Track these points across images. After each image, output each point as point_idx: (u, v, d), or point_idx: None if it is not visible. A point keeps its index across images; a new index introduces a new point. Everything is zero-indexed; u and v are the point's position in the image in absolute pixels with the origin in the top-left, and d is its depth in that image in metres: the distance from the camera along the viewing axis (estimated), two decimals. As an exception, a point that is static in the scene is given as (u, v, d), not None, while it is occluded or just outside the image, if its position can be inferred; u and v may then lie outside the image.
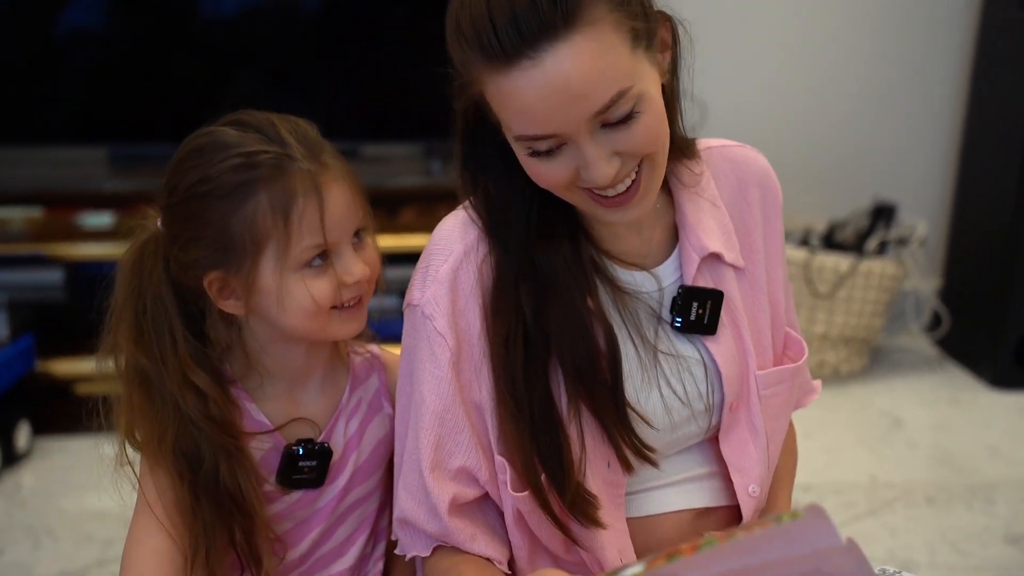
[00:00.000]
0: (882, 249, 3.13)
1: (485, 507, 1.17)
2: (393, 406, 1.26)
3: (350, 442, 1.24)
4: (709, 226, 1.19)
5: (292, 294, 1.12)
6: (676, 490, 1.20)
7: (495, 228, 1.15)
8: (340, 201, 1.13)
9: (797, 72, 3.31)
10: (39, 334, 2.73)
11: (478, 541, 1.15)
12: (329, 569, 1.26)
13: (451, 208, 1.19)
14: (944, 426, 2.85)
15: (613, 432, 1.13)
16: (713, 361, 1.18)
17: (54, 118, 2.98)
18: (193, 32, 2.98)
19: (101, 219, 2.90)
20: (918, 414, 2.92)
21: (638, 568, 0.80)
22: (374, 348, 1.29)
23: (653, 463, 1.15)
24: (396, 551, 1.20)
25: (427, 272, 1.15)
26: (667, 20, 1.09)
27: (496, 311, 1.13)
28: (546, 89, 0.99)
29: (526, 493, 1.12)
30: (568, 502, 1.11)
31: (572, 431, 1.12)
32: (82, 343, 2.85)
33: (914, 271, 3.23)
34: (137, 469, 1.18)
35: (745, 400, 1.20)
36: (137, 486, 1.17)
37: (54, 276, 2.84)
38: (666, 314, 1.18)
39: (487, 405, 1.14)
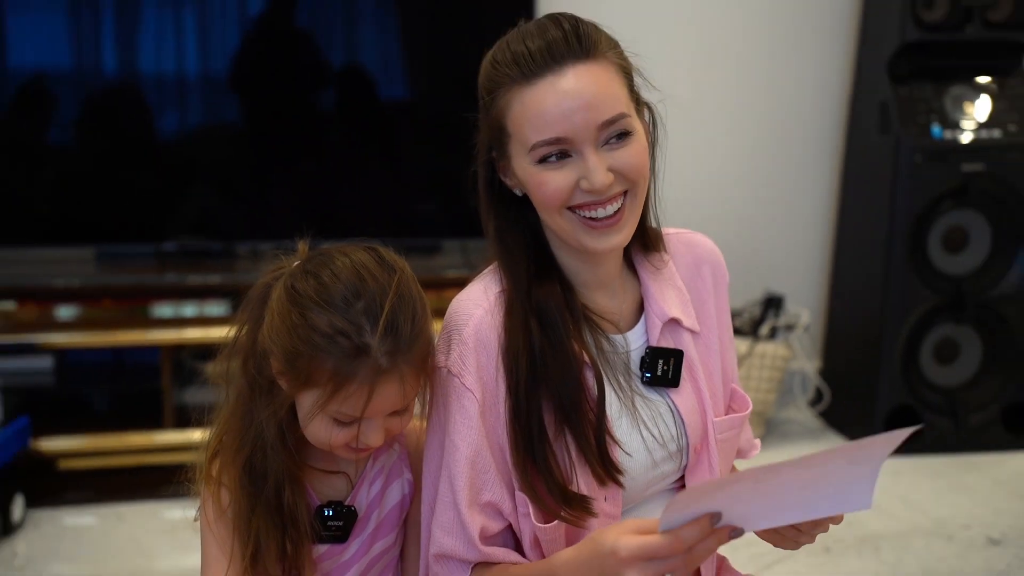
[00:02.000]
0: (773, 334, 3.43)
1: (507, 537, 1.31)
2: (413, 472, 1.38)
3: (372, 502, 1.35)
4: (669, 296, 1.35)
5: (312, 428, 1.25)
6: None
7: (507, 269, 1.30)
8: (389, 396, 1.21)
9: (695, 186, 3.57)
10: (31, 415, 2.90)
11: (512, 555, 1.29)
12: None
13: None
14: (830, 487, 3.19)
15: (588, 453, 1.25)
16: (678, 410, 1.33)
17: (30, 221, 3.14)
18: (152, 147, 3.18)
19: (72, 311, 3.10)
20: (807, 477, 3.25)
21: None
22: None
23: (619, 483, 1.28)
24: None
25: (450, 336, 1.29)
26: (648, 107, 1.31)
27: (508, 336, 1.27)
28: (566, 96, 1.20)
29: (551, 524, 1.25)
30: (564, 502, 1.24)
31: (559, 449, 1.25)
32: (68, 423, 3.07)
33: (799, 353, 3.53)
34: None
35: (706, 443, 1.36)
36: (199, 520, 1.31)
37: (44, 363, 3.05)
38: (636, 370, 1.33)
39: (507, 446, 1.27)
